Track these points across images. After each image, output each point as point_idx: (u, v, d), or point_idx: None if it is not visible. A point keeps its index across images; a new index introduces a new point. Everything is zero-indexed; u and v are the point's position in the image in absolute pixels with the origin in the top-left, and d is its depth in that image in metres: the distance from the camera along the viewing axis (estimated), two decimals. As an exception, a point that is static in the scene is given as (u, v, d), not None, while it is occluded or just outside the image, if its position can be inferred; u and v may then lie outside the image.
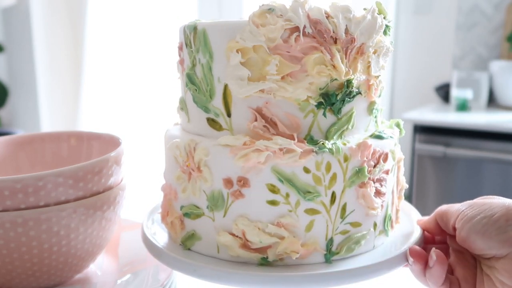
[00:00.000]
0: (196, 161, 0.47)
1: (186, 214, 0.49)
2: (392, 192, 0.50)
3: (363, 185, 0.46)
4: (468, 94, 1.85)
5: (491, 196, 0.45)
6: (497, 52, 2.06)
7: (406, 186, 0.54)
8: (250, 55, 0.44)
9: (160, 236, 0.53)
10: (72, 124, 2.44)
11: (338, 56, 0.44)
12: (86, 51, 2.29)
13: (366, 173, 0.45)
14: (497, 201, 0.43)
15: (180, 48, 0.51)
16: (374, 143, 0.46)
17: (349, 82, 0.45)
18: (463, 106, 1.85)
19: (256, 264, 0.46)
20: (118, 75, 2.33)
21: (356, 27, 0.45)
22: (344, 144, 0.45)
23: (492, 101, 1.99)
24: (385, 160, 0.47)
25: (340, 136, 0.46)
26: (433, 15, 2.17)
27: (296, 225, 0.45)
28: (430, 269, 0.44)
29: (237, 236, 0.46)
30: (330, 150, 0.44)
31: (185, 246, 0.50)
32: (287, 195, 0.44)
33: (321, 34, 0.44)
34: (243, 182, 0.45)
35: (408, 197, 1.87)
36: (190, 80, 0.49)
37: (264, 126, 0.45)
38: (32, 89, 2.41)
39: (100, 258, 0.61)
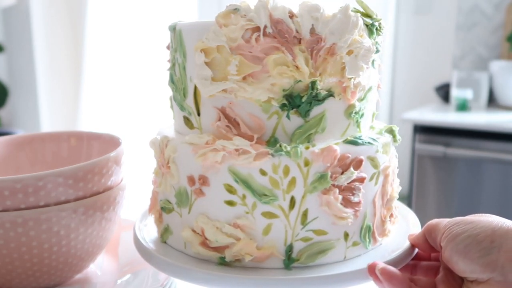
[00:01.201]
0: (166, 157, 0.48)
1: (162, 208, 0.51)
2: (374, 202, 0.47)
3: (326, 191, 0.44)
4: (468, 94, 1.85)
5: (484, 214, 0.42)
6: (497, 52, 2.06)
7: (396, 196, 0.51)
8: (214, 55, 0.45)
9: (150, 228, 0.54)
10: (72, 124, 2.43)
11: (300, 56, 0.43)
12: (86, 51, 2.29)
13: (329, 179, 0.43)
14: (485, 220, 0.40)
15: (168, 48, 0.53)
16: (344, 149, 0.44)
17: (313, 83, 0.44)
18: (463, 106, 1.85)
19: (216, 263, 0.46)
20: (118, 75, 2.33)
21: (324, 27, 0.43)
22: (307, 148, 0.43)
23: (492, 101, 1.99)
24: (356, 167, 0.44)
25: (308, 140, 0.45)
26: (433, 15, 2.17)
27: (253, 227, 0.44)
28: None
29: (197, 233, 0.46)
30: (287, 153, 0.42)
31: (162, 239, 0.51)
32: (244, 196, 0.44)
33: (282, 34, 0.43)
34: (203, 180, 0.45)
35: (408, 197, 1.87)
36: (171, 79, 0.51)
37: (227, 126, 0.45)
38: (32, 89, 2.41)
39: (100, 258, 0.61)
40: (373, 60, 0.48)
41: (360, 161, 0.45)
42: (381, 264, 0.43)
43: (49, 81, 2.40)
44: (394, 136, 0.50)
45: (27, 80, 2.42)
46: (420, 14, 2.18)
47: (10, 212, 0.47)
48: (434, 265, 0.48)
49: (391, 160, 0.49)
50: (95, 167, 0.51)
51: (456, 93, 1.87)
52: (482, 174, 1.69)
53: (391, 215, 0.51)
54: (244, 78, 0.44)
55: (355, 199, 0.45)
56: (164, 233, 0.51)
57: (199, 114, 0.48)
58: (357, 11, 0.46)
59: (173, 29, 0.49)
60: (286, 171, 0.43)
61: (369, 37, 0.47)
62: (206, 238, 0.46)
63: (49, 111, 2.44)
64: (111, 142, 0.60)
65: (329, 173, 0.43)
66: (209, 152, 0.44)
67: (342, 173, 0.44)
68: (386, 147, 0.48)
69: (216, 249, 0.46)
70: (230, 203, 0.44)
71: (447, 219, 0.43)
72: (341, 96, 0.46)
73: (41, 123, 2.44)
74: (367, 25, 0.46)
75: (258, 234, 0.44)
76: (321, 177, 0.43)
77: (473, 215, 0.42)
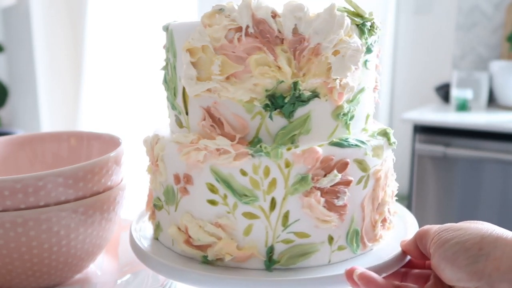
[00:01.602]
0: (155, 155, 0.49)
1: (154, 205, 0.52)
2: (363, 206, 0.46)
3: (308, 194, 0.43)
4: (468, 94, 1.85)
5: (476, 221, 0.41)
6: (497, 52, 2.06)
7: (389, 201, 0.49)
8: (199, 55, 0.45)
9: (146, 226, 0.55)
10: (72, 124, 2.43)
11: (282, 56, 0.43)
12: (86, 51, 2.29)
13: (310, 181, 0.42)
14: (474, 227, 0.39)
15: (164, 48, 0.53)
16: (328, 151, 0.43)
17: (295, 84, 0.43)
18: (463, 106, 1.85)
19: (199, 262, 0.46)
20: (118, 75, 2.33)
21: (308, 27, 0.43)
22: (289, 149, 0.43)
23: (492, 101, 1.99)
24: (341, 170, 0.43)
25: (292, 141, 0.44)
26: (433, 15, 2.17)
27: (234, 228, 0.44)
28: None
29: (182, 231, 0.47)
30: (267, 153, 0.42)
31: (155, 235, 0.52)
32: (225, 196, 0.44)
33: (264, 34, 0.42)
34: (187, 179, 0.45)
35: (408, 197, 1.87)
36: (164, 78, 0.51)
37: (211, 125, 0.46)
38: (32, 89, 2.41)
39: (100, 258, 0.61)
40: (365, 61, 0.47)
41: (345, 164, 0.44)
42: (360, 269, 0.42)
43: (49, 81, 2.40)
44: (388, 139, 0.48)
45: (27, 80, 2.42)
46: (420, 14, 2.18)
47: (10, 212, 0.47)
48: (425, 273, 0.47)
49: (384, 163, 0.47)
50: (95, 167, 0.51)
51: (456, 93, 1.87)
52: (482, 174, 1.69)
53: (384, 220, 0.49)
54: (227, 78, 0.44)
55: (339, 202, 0.44)
56: (156, 230, 0.52)
57: (187, 113, 0.48)
58: (346, 10, 0.45)
59: (166, 29, 0.50)
60: (267, 172, 0.43)
61: (360, 37, 0.45)
62: (189, 236, 0.46)
63: (49, 111, 2.44)
64: (111, 142, 0.60)
65: (310, 175, 0.42)
66: (193, 151, 0.44)
67: (325, 175, 0.43)
68: (378, 150, 0.46)
69: (199, 247, 0.46)
70: (212, 202, 0.44)
71: (438, 225, 0.42)
72: (328, 97, 0.45)
73: (41, 123, 2.44)
74: (357, 25, 0.45)
75: (239, 234, 0.44)
76: (302, 179, 0.42)
77: (465, 221, 0.41)
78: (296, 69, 0.43)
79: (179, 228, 0.47)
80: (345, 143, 0.44)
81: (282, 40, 0.43)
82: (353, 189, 0.45)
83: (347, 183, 0.44)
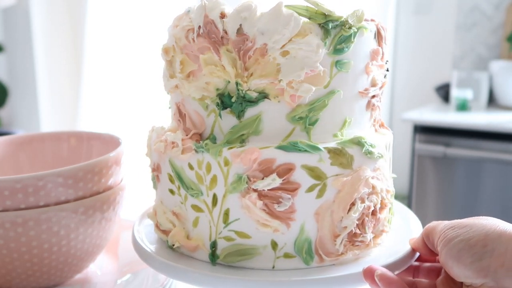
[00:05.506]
0: (146, 145, 0.53)
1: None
2: (317, 216, 0.43)
3: (244, 194, 0.42)
4: (468, 94, 1.85)
5: (482, 217, 0.40)
6: (497, 52, 2.06)
7: (356, 215, 0.43)
8: (172, 53, 0.48)
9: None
10: (72, 124, 2.43)
11: (226, 56, 0.43)
12: (86, 51, 2.28)
13: (245, 182, 0.42)
14: (479, 223, 0.39)
15: None
16: (271, 153, 0.42)
17: (237, 84, 0.43)
18: (463, 106, 1.85)
19: (166, 246, 0.49)
20: (118, 75, 2.33)
21: (252, 27, 0.42)
22: (231, 148, 0.43)
23: (492, 101, 1.99)
24: (282, 174, 0.42)
25: (241, 140, 0.44)
26: (433, 15, 2.17)
27: (186, 218, 0.47)
28: None
29: (155, 215, 0.51)
30: (207, 150, 0.43)
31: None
32: (179, 187, 0.46)
33: (210, 35, 0.44)
34: (157, 167, 0.49)
35: (408, 197, 1.87)
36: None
37: (178, 120, 0.49)
38: (32, 89, 2.41)
39: (100, 258, 0.61)
40: (336, 62, 0.44)
41: (288, 169, 0.42)
42: (380, 270, 0.41)
43: (49, 81, 2.40)
44: (361, 146, 0.44)
45: (27, 80, 2.42)
46: (420, 14, 2.18)
47: (10, 212, 0.47)
48: (436, 267, 0.47)
49: (353, 174, 0.43)
50: (95, 167, 0.51)
51: (456, 93, 1.87)
52: (482, 174, 1.69)
53: (354, 236, 0.44)
54: (188, 75, 0.46)
55: (280, 208, 0.42)
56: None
57: (170, 108, 0.52)
58: (307, 9, 0.43)
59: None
60: (208, 168, 0.44)
61: (324, 37, 0.43)
62: (157, 221, 0.50)
63: (49, 111, 2.44)
64: (111, 142, 0.60)
65: (246, 176, 0.42)
66: (159, 142, 0.48)
67: (263, 178, 0.42)
68: (341, 158, 0.43)
69: (164, 232, 0.49)
70: (171, 191, 0.48)
71: (445, 222, 0.42)
72: (279, 98, 0.43)
73: (41, 123, 2.43)
74: (319, 24, 0.43)
75: (189, 225, 0.47)
76: (239, 179, 0.43)
77: (470, 218, 0.41)
78: (241, 69, 0.43)
79: (154, 212, 0.51)
80: (292, 147, 0.42)
81: (228, 40, 0.43)
82: (302, 196, 0.42)
83: (292, 189, 0.42)
